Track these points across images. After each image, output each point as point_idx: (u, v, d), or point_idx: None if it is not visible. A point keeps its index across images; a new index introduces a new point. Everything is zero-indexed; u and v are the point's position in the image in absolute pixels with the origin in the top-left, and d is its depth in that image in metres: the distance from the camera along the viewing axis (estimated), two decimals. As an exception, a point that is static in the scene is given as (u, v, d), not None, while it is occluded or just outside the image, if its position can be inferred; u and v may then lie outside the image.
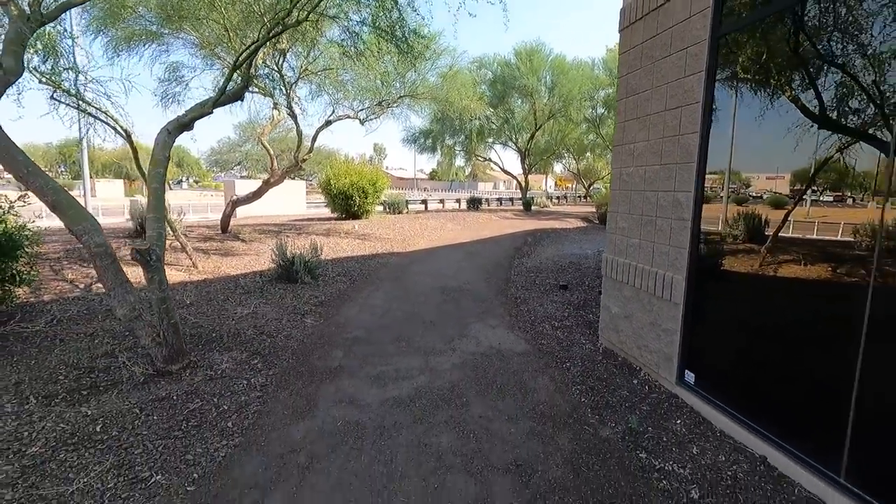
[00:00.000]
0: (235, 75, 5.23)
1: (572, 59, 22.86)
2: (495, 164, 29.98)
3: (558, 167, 48.98)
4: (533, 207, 26.26)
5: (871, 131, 2.35)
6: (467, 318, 5.76)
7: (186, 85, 11.09)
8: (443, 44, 11.77)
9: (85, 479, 2.55)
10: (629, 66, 4.38)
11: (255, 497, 2.46)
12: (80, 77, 6.70)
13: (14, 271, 4.79)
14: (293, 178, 20.07)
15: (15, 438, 2.89)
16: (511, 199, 32.06)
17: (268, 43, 6.04)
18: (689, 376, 3.58)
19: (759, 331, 3.02)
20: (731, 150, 3.25)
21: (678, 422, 3.26)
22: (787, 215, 2.87)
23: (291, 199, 20.73)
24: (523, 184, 27.28)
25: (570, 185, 62.76)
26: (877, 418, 2.27)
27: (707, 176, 3.44)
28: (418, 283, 7.68)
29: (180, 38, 9.75)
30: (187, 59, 13.37)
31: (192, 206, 23.02)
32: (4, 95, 3.93)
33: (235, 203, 11.07)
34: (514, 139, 26.15)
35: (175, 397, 3.53)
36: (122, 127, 7.10)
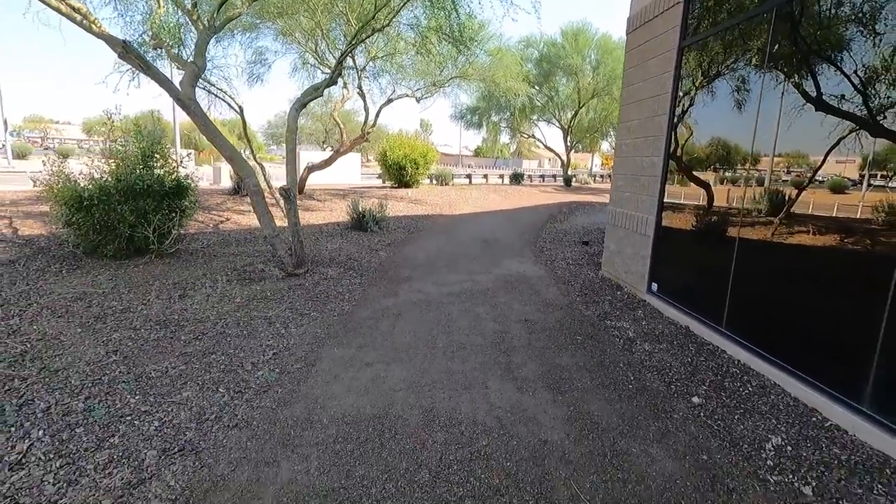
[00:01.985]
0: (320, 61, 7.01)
1: (618, 39, 23.38)
2: (539, 140, 30.97)
3: (605, 146, 48.99)
4: (574, 184, 27.28)
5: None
6: (501, 257, 7.45)
7: (269, 67, 13.10)
8: (490, 31, 13.16)
9: (275, 311, 4.47)
10: (630, 62, 5.83)
11: (370, 324, 4.30)
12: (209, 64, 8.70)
13: (184, 207, 6.84)
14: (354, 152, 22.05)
15: (225, 295, 4.87)
16: (554, 176, 33.01)
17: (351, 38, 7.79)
18: (654, 286, 5.14)
19: (690, 248, 4.55)
20: (677, 125, 4.72)
21: (639, 311, 4.85)
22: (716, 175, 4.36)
23: (349, 170, 22.77)
24: (565, 160, 28.25)
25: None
26: (744, 288, 3.80)
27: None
28: (463, 235, 9.43)
29: (270, 28, 11.65)
30: (270, 43, 15.30)
31: (269, 174, 25.50)
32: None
33: (311, 169, 13.11)
34: (557, 117, 27.09)
35: (307, 285, 5.45)
36: (237, 103, 9.11)
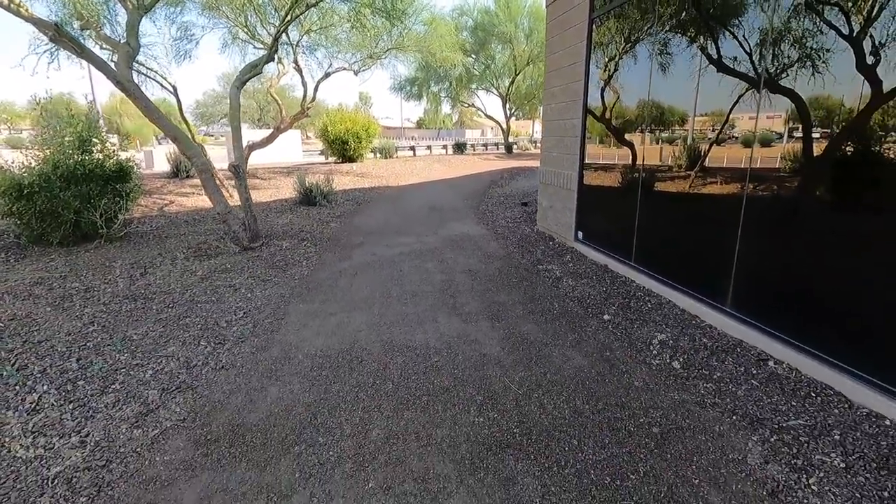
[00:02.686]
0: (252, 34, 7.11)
1: (548, 6, 23.93)
2: (479, 109, 31.42)
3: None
4: (515, 150, 28.10)
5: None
6: (447, 220, 7.99)
7: (197, 43, 12.66)
8: (424, 1, 13.31)
9: (240, 280, 4.80)
10: (551, 32, 6.38)
11: (330, 283, 4.73)
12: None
13: (128, 191, 6.85)
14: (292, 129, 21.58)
15: (186, 270, 5.12)
16: (497, 145, 33.66)
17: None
18: (580, 234, 5.86)
19: (606, 199, 5.26)
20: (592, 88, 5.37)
21: (567, 256, 5.56)
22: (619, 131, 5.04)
23: (290, 148, 22.31)
24: (505, 128, 28.95)
25: (555, 130, 63.65)
26: (645, 230, 4.53)
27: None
28: (410, 204, 9.88)
29: (195, 1, 11.25)
30: (196, 18, 14.65)
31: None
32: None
33: (252, 147, 12.91)
34: (495, 85, 27.56)
35: (264, 255, 5.76)
36: (170, 83, 8.94)
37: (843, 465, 2.01)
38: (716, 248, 3.54)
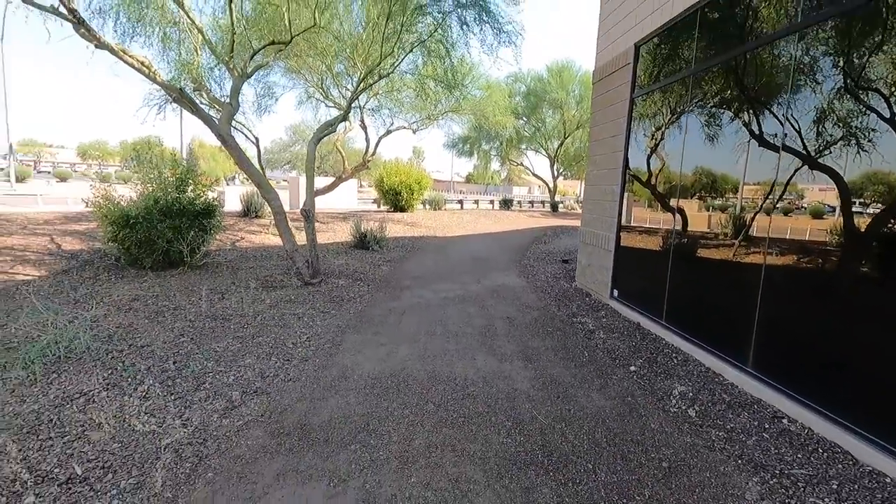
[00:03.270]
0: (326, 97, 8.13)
1: (600, 75, 25.11)
2: (527, 168, 32.45)
3: (591, 173, 50.73)
4: (561, 209, 28.60)
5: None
6: (489, 271, 8.47)
7: (276, 100, 14.26)
8: (480, 71, 14.51)
9: (302, 310, 5.42)
10: (595, 107, 7.01)
11: (381, 319, 5.26)
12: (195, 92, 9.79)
13: (211, 226, 7.81)
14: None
15: (256, 298, 5.82)
16: (542, 202, 34.43)
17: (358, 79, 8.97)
18: (615, 292, 6.17)
19: (640, 260, 5.61)
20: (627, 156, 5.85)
21: (601, 312, 5.87)
22: (664, 199, 5.45)
23: (346, 195, 23.82)
24: (552, 187, 29.66)
25: (602, 191, 63.90)
26: (676, 290, 4.83)
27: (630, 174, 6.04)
28: (456, 254, 10.46)
29: (280, 66, 12.85)
30: (279, 79, 16.48)
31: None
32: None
33: (315, 193, 14.11)
34: (544, 146, 28.62)
35: (323, 291, 6.41)
36: (254, 135, 10.20)
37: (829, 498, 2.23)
38: (739, 311, 3.81)
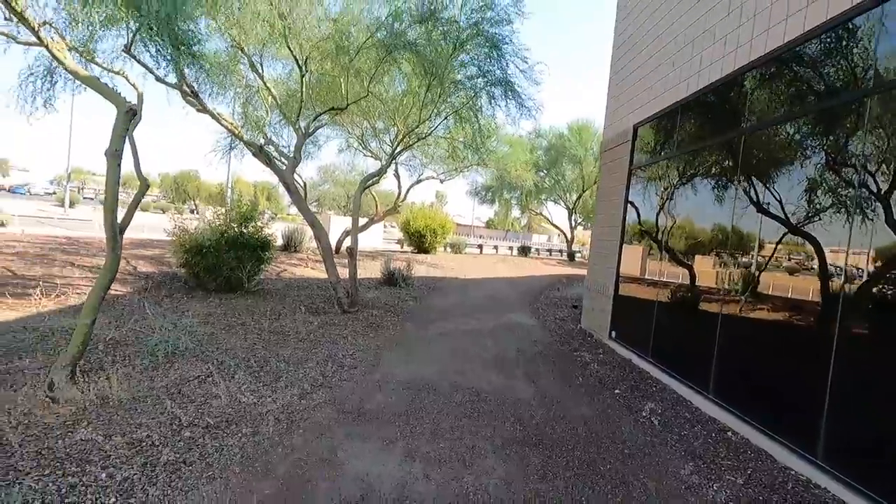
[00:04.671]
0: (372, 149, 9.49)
1: (618, 134, 26.59)
2: (546, 217, 33.67)
3: (609, 225, 51.71)
4: (577, 258, 29.51)
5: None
6: (504, 310, 9.45)
7: (320, 147, 15.89)
8: (505, 131, 16.01)
9: (344, 332, 6.49)
10: (602, 173, 8.17)
11: (410, 344, 6.27)
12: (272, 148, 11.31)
13: (266, 256, 9.05)
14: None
15: (305, 320, 6.92)
16: (560, 251, 35.39)
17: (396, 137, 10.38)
18: (613, 333, 7.08)
19: (633, 305, 6.56)
20: (626, 217, 6.91)
21: (599, 350, 6.78)
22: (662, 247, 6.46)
23: (373, 235, 25.29)
24: (569, 237, 30.71)
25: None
26: (660, 331, 5.75)
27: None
28: (474, 294, 11.49)
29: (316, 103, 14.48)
30: (323, 130, 18.26)
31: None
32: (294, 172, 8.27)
33: (347, 232, 15.49)
34: (563, 198, 29.92)
35: (360, 318, 7.49)
36: (302, 180, 11.61)
37: (741, 481, 3.12)
38: (703, 349, 4.74)
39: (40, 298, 6.31)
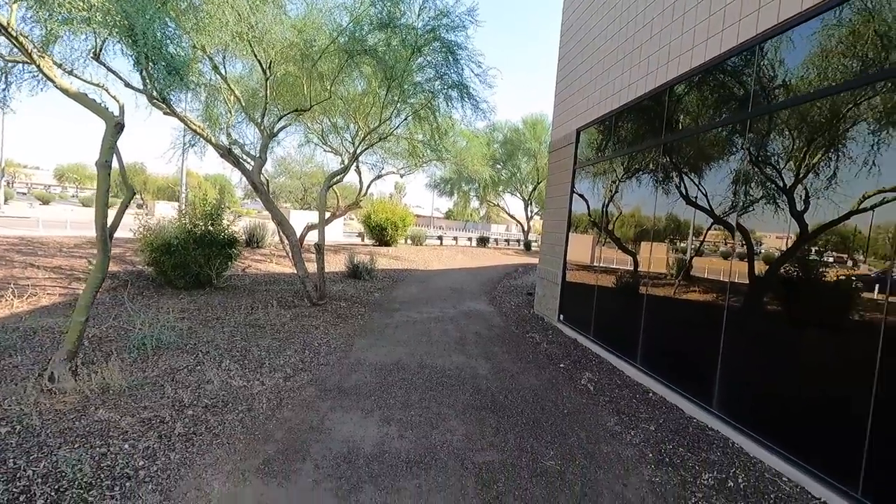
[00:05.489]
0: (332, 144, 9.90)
1: (570, 128, 27.82)
2: (503, 209, 34.70)
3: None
4: (533, 248, 30.69)
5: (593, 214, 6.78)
6: (464, 299, 10.14)
7: (279, 143, 15.96)
8: (462, 126, 16.58)
9: (316, 323, 6.96)
10: (550, 171, 8.94)
11: (379, 331, 6.83)
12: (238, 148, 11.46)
13: (233, 253, 9.31)
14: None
15: (278, 314, 7.33)
16: (518, 241, 36.55)
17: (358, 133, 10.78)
18: (561, 317, 7.89)
19: (578, 290, 7.37)
20: (571, 211, 7.70)
21: (549, 331, 7.57)
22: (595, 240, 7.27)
23: (334, 229, 25.41)
24: (526, 227, 31.86)
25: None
26: (599, 313, 6.57)
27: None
28: (436, 284, 12.13)
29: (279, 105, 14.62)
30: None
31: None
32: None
33: (310, 228, 15.70)
34: (519, 190, 30.98)
35: (329, 310, 7.96)
36: (265, 178, 11.79)
37: (653, 428, 3.91)
38: (633, 324, 5.56)
39: (12, 300, 6.43)
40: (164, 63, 3.77)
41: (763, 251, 3.88)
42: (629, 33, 6.10)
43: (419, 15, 8.27)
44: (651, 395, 4.79)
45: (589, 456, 3.43)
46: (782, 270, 3.68)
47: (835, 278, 3.24)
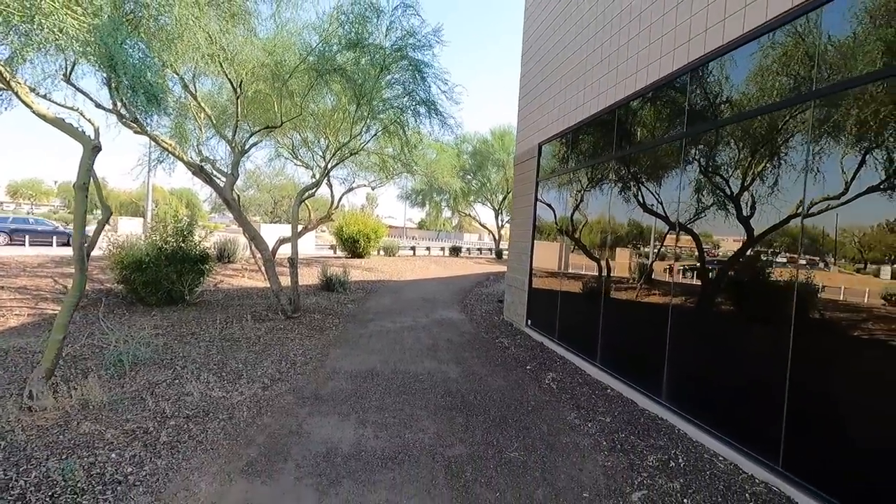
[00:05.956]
0: (311, 162, 10.12)
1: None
2: (474, 218, 35.25)
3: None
4: (504, 256, 31.28)
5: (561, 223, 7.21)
6: (436, 308, 10.43)
7: (248, 157, 15.99)
8: (431, 139, 16.99)
9: (291, 335, 7.12)
10: (516, 182, 9.37)
11: (353, 341, 7.04)
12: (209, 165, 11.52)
13: (205, 269, 9.35)
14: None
15: (252, 327, 7.45)
16: (490, 249, 37.16)
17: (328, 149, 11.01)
18: (529, 322, 8.27)
19: (544, 297, 7.77)
20: (536, 223, 8.13)
21: (518, 336, 7.93)
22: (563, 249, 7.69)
23: (306, 242, 25.35)
24: (497, 236, 32.45)
25: (546, 239, 68.18)
26: (564, 317, 6.96)
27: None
28: (408, 295, 12.38)
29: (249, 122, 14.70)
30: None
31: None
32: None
33: (282, 241, 15.72)
34: (490, 199, 31.58)
35: (304, 322, 8.11)
36: (236, 193, 11.85)
37: (608, 420, 4.28)
38: (592, 327, 5.96)
39: (-21, 321, 6.37)
40: (143, 91, 3.97)
41: (694, 256, 4.33)
42: (582, 56, 6.59)
43: (387, 35, 8.60)
44: (609, 391, 5.18)
45: (549, 447, 3.76)
46: (711, 273, 4.13)
47: (754, 279, 3.69)
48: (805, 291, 3.21)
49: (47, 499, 2.62)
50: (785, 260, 3.43)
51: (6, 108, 6.09)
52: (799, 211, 3.28)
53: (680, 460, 3.55)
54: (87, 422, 3.67)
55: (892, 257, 2.77)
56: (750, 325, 3.79)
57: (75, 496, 2.66)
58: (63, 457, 3.10)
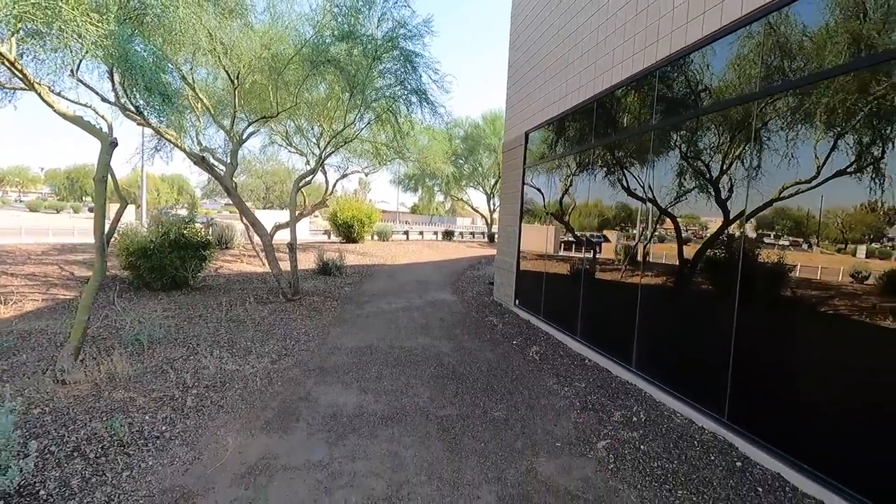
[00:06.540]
0: (307, 149, 10.46)
1: (528, 124, 28.93)
2: (466, 202, 35.62)
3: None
4: (496, 240, 31.79)
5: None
6: (429, 290, 10.91)
7: (242, 144, 16.22)
8: (424, 125, 17.28)
9: (293, 316, 7.57)
10: (505, 169, 9.78)
11: (352, 321, 7.50)
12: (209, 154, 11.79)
13: (207, 255, 9.73)
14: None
15: (255, 309, 7.88)
16: (482, 233, 37.60)
17: (322, 135, 11.32)
18: (517, 301, 8.77)
19: (531, 277, 8.26)
20: (523, 205, 8.57)
21: (506, 315, 8.43)
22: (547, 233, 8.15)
23: (301, 228, 25.67)
24: (489, 219, 32.89)
25: (538, 223, 68.73)
26: (549, 296, 7.46)
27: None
28: (402, 278, 12.84)
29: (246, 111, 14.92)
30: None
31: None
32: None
33: (278, 227, 16.07)
34: (482, 184, 31.92)
35: (304, 305, 8.56)
36: (231, 181, 12.16)
37: (583, 385, 4.80)
38: (574, 304, 6.46)
39: (-1, 306, 6.76)
40: (158, 92, 4.32)
41: (658, 238, 4.80)
42: (564, 50, 6.97)
43: (378, 25, 8.89)
44: (587, 361, 5.70)
45: (529, 407, 4.27)
46: (674, 255, 4.61)
47: (699, 255, 4.18)
48: (747, 270, 3.69)
49: (99, 450, 3.08)
50: (729, 244, 3.91)
51: (10, 102, 6.41)
52: (742, 209, 3.74)
53: (642, 416, 4.08)
54: (117, 391, 4.12)
55: (782, 234, 3.25)
56: (703, 300, 4.28)
57: (122, 447, 3.12)
58: (104, 419, 3.55)
